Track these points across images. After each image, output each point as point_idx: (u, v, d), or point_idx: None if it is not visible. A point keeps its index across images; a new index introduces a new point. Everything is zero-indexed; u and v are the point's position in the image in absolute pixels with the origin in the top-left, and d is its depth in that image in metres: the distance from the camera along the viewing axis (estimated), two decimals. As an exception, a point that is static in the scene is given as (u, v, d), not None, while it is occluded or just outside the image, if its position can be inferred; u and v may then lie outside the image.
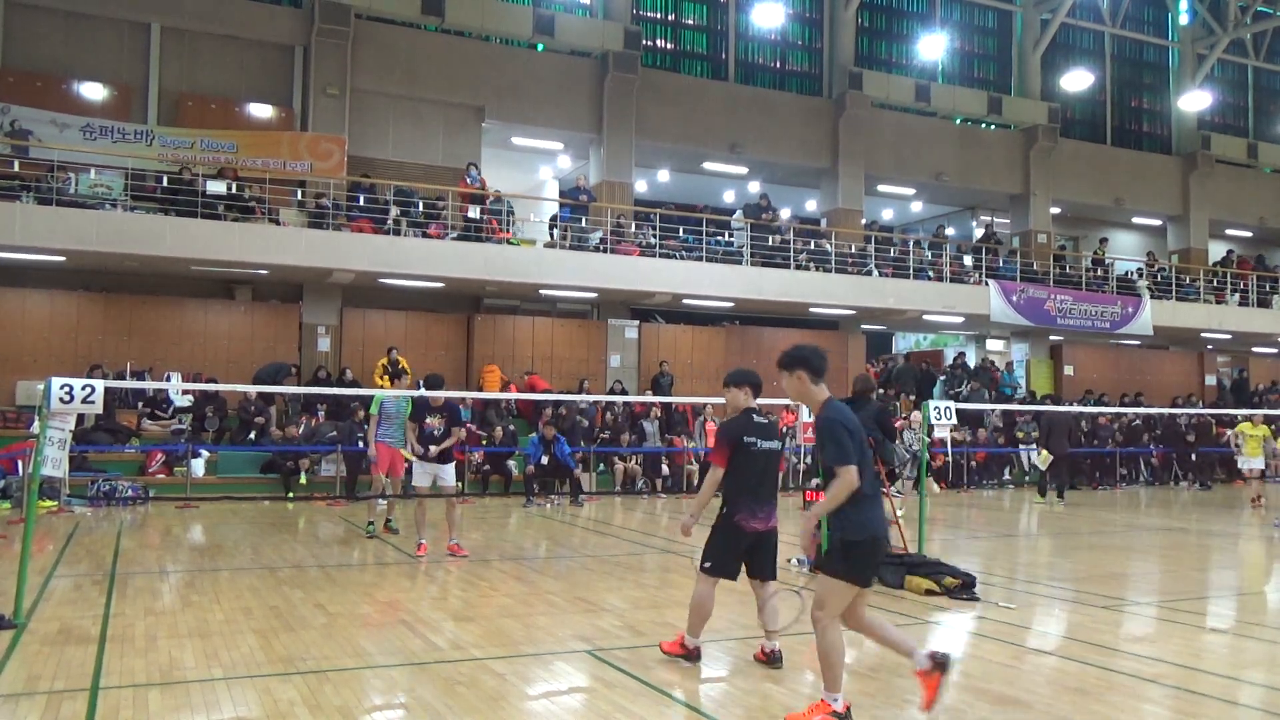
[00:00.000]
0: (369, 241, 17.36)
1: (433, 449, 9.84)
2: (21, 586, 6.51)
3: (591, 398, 17.52)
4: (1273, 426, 24.27)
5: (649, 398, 18.83)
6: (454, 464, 10.20)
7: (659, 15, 23.86)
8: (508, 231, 19.34)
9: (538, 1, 21.64)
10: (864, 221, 24.87)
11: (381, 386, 17.48)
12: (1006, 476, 21.31)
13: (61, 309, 17.44)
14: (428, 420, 9.94)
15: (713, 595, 5.60)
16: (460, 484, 12.71)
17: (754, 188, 24.46)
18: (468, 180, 19.13)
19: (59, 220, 15.37)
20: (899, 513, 12.77)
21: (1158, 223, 30.09)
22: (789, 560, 9.54)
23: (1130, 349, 27.74)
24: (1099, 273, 25.89)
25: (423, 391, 10.16)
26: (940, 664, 4.45)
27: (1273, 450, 23.42)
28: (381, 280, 18.40)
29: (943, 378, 23.71)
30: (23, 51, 18.01)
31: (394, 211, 18.28)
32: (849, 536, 4.45)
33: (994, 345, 28.11)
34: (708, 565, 5.53)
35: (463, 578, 8.61)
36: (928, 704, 4.49)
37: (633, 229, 20.78)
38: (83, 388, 6.78)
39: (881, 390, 22.43)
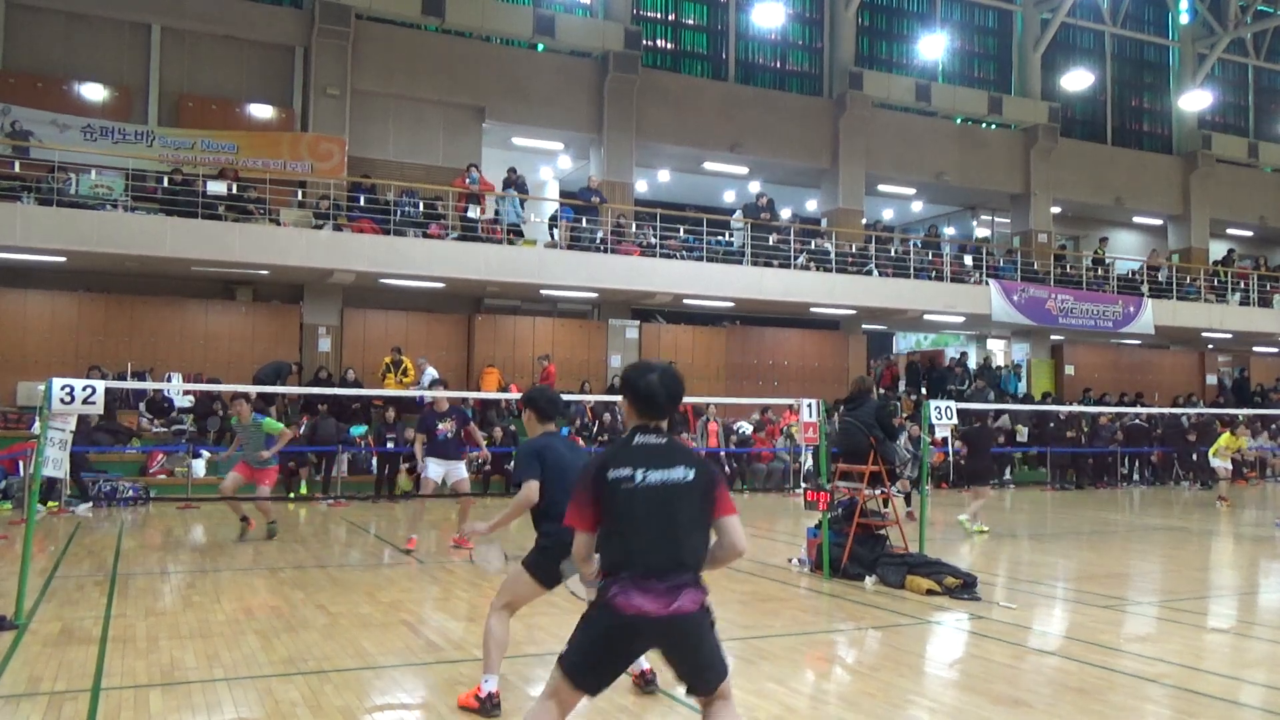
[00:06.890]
0: (369, 242, 17.36)
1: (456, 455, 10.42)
2: (23, 587, 6.51)
3: (592, 398, 17.52)
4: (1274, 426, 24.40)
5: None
6: (464, 462, 10.65)
7: (659, 15, 23.86)
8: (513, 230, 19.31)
9: (538, 1, 21.63)
10: (864, 221, 24.86)
11: (388, 387, 17.50)
12: (1007, 476, 21.29)
13: (62, 309, 17.44)
14: (439, 426, 10.21)
15: (560, 709, 3.36)
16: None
17: (754, 188, 24.45)
18: (467, 182, 19.12)
19: (59, 221, 15.38)
20: (905, 509, 12.86)
21: (1158, 222, 30.08)
22: (789, 560, 9.54)
23: (1131, 348, 27.72)
24: (1099, 272, 25.87)
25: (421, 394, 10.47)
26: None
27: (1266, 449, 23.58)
28: (382, 280, 18.39)
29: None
30: (23, 52, 18.02)
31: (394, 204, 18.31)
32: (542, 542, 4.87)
33: (995, 345, 28.10)
34: (562, 654, 3.34)
35: (464, 578, 8.61)
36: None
37: (633, 229, 20.77)
38: (83, 388, 6.78)
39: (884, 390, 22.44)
